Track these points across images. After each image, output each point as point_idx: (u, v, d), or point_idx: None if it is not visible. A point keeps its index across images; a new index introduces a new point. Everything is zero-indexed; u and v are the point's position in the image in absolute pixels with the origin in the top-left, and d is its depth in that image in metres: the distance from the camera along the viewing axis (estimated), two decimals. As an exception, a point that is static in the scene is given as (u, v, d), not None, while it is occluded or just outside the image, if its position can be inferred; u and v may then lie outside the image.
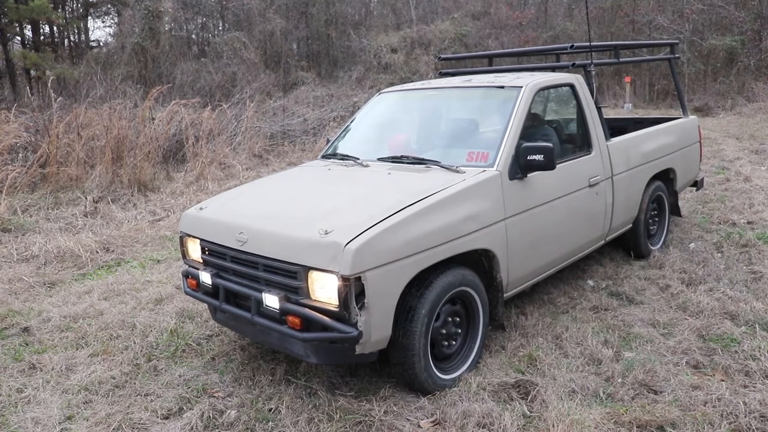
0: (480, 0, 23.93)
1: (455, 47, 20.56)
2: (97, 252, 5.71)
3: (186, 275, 3.52)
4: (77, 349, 3.75)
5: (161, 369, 3.47)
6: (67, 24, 21.38)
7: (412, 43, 21.27)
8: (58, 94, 9.22)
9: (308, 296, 2.81)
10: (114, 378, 3.36)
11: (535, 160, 3.36)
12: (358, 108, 6.91)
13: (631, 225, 4.79)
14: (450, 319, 3.18)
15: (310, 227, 2.85)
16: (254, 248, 3.00)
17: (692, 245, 5.18)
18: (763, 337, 3.50)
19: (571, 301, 4.21)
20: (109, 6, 22.51)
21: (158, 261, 5.57)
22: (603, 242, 4.48)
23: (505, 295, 3.48)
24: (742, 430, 2.67)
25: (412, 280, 2.89)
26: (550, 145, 3.34)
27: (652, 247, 5.08)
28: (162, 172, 8.82)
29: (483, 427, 2.75)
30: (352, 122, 4.59)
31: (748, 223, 5.79)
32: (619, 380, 3.12)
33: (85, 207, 7.00)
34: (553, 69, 4.72)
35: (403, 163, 3.70)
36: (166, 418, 2.98)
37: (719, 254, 4.95)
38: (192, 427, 2.85)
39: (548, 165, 3.35)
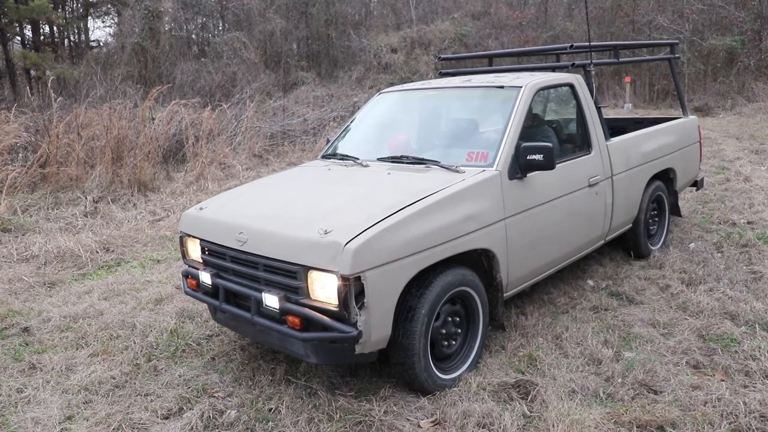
0: (480, 0, 23.93)
1: (455, 47, 20.56)
2: (97, 252, 5.71)
3: (186, 275, 3.52)
4: (77, 349, 3.75)
5: (161, 369, 3.47)
6: (67, 24, 21.39)
7: (412, 43, 21.27)
8: (58, 94, 9.22)
9: (308, 296, 2.81)
10: (114, 378, 3.36)
11: (534, 159, 3.36)
12: (358, 108, 6.91)
13: (631, 225, 4.79)
14: (450, 319, 3.18)
15: (309, 227, 2.85)
16: (254, 248, 3.00)
17: (692, 245, 5.18)
18: (763, 337, 3.50)
19: (571, 301, 4.21)
20: (109, 6, 22.52)
21: (158, 261, 5.57)
22: (603, 242, 4.48)
23: (505, 294, 3.48)
24: (742, 430, 2.67)
25: (412, 280, 2.89)
26: (550, 144, 3.34)
27: (652, 247, 5.08)
28: (162, 172, 8.82)
29: (483, 427, 2.75)
30: (352, 122, 4.59)
31: (748, 223, 5.79)
32: (619, 380, 3.12)
33: (85, 207, 7.00)
34: (552, 69, 4.72)
35: (402, 163, 3.70)
36: (166, 418, 2.98)
37: (719, 254, 4.95)
38: (192, 427, 2.85)
39: (548, 165, 3.35)
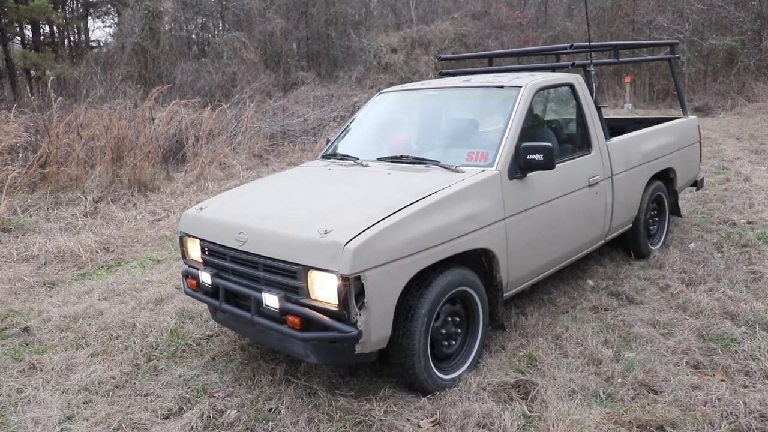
0: (480, 0, 23.93)
1: (455, 47, 20.56)
2: (97, 252, 5.71)
3: (186, 275, 3.52)
4: (77, 349, 3.75)
5: (161, 369, 3.47)
6: (67, 24, 21.38)
7: (412, 43, 21.27)
8: (58, 94, 9.22)
9: (308, 296, 2.81)
10: (114, 378, 3.36)
11: (534, 159, 3.36)
12: (358, 108, 6.91)
13: (631, 225, 4.79)
14: (450, 318, 3.18)
15: (309, 227, 2.85)
16: (254, 248, 3.00)
17: (692, 245, 5.18)
18: (763, 337, 3.50)
19: (571, 301, 4.21)
20: (109, 6, 22.51)
21: (158, 261, 5.57)
22: (603, 242, 4.48)
23: (505, 294, 3.48)
24: (742, 430, 2.67)
25: (412, 280, 2.89)
26: (550, 144, 3.34)
27: (652, 247, 5.08)
28: (162, 172, 8.82)
29: (483, 427, 2.75)
30: (352, 122, 4.59)
31: (748, 223, 5.79)
32: (619, 380, 3.12)
33: (85, 207, 7.00)
34: (552, 69, 4.72)
35: (402, 163, 3.70)
36: (166, 418, 2.98)
37: (719, 254, 4.95)
38: (192, 427, 2.85)
39: (548, 164, 3.35)
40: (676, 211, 5.52)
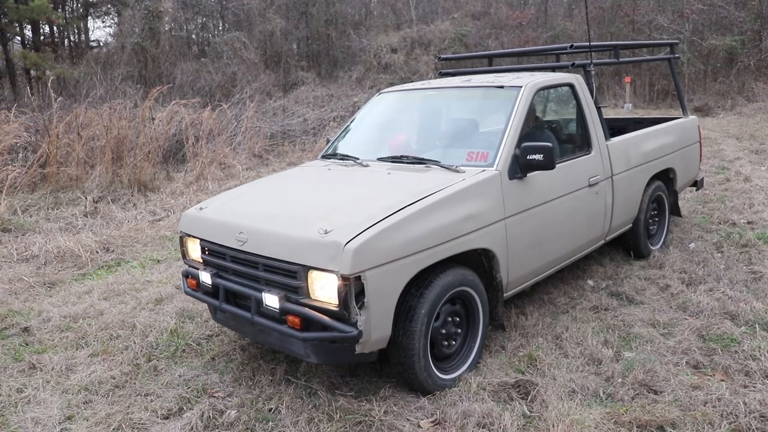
0: (480, 0, 23.92)
1: (455, 47, 20.56)
2: (97, 252, 5.71)
3: (186, 275, 3.52)
4: (77, 349, 3.75)
5: (161, 369, 3.47)
6: (67, 24, 21.37)
7: (412, 43, 21.27)
8: (58, 94, 9.22)
9: (308, 296, 2.81)
10: (114, 378, 3.36)
11: (534, 159, 3.36)
12: (358, 108, 6.91)
13: (631, 225, 4.79)
14: (450, 318, 3.18)
15: (310, 227, 2.85)
16: (254, 248, 3.00)
17: (692, 245, 5.18)
18: (763, 337, 3.50)
19: (571, 301, 4.21)
20: (109, 6, 22.49)
21: (158, 261, 5.57)
22: (603, 242, 4.48)
23: (505, 294, 3.48)
24: (742, 430, 2.67)
25: (412, 280, 2.89)
26: (550, 144, 3.34)
27: (652, 247, 5.08)
28: (162, 172, 8.82)
29: (483, 427, 2.75)
30: (352, 122, 4.59)
31: (748, 223, 5.79)
32: (619, 380, 3.12)
33: (85, 207, 7.00)
34: (552, 69, 4.72)
35: (403, 162, 3.70)
36: (166, 418, 2.98)
37: (719, 254, 4.95)
38: (192, 427, 2.85)
39: (548, 164, 3.35)
40: (676, 211, 5.52)
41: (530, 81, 3.85)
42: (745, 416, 2.73)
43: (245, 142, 10.54)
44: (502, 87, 3.88)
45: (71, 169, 7.81)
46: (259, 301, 2.94)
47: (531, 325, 3.80)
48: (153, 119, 9.58)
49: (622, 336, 3.65)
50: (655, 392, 3.01)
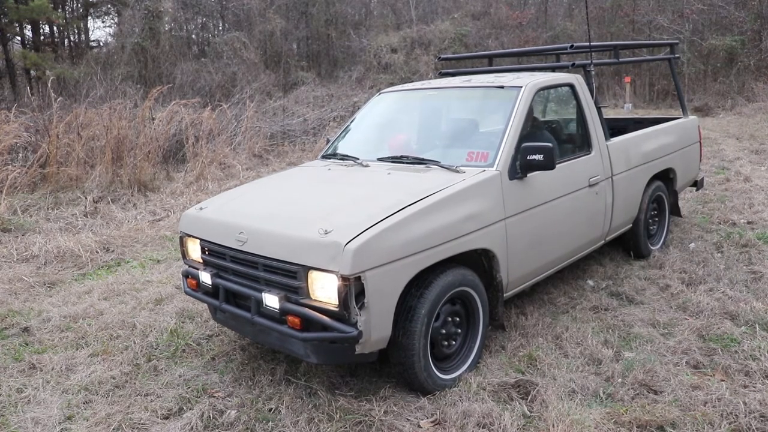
0: (480, 0, 23.93)
1: (455, 47, 20.56)
2: (97, 252, 5.71)
3: (186, 275, 3.52)
4: (77, 349, 3.75)
5: (161, 369, 3.47)
6: (67, 24, 21.37)
7: (412, 43, 21.27)
8: (58, 94, 9.22)
9: (308, 296, 2.81)
10: (114, 378, 3.36)
11: (534, 159, 3.36)
12: (358, 108, 6.91)
13: (631, 225, 4.79)
14: (450, 319, 3.18)
15: (310, 227, 2.85)
16: (254, 248, 3.00)
17: (692, 245, 5.18)
18: (763, 337, 3.50)
19: (571, 301, 4.21)
20: (109, 6, 22.49)
21: (158, 261, 5.57)
22: (603, 242, 4.48)
23: (505, 295, 3.48)
24: (742, 430, 2.67)
25: (412, 280, 2.89)
26: (550, 144, 3.34)
27: (652, 247, 5.08)
28: (162, 172, 8.82)
29: (483, 427, 2.75)
30: (352, 122, 4.59)
31: (748, 223, 5.79)
32: (619, 380, 3.12)
33: (85, 207, 7.00)
34: (553, 69, 4.72)
35: (403, 163, 3.70)
36: (166, 418, 2.98)
37: (719, 254, 4.95)
38: (192, 427, 2.85)
39: (548, 165, 3.35)
40: (676, 211, 5.52)
41: (530, 81, 3.85)
42: (745, 416, 2.73)
43: (245, 142, 10.54)
44: (502, 87, 3.88)
45: (71, 169, 7.81)
46: (259, 301, 2.94)
47: (531, 325, 3.80)
48: (153, 119, 9.58)
49: (622, 336, 3.65)
50: (655, 392, 3.01)
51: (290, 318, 2.82)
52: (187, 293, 3.55)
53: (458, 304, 3.22)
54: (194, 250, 3.51)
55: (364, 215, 2.88)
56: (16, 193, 7.24)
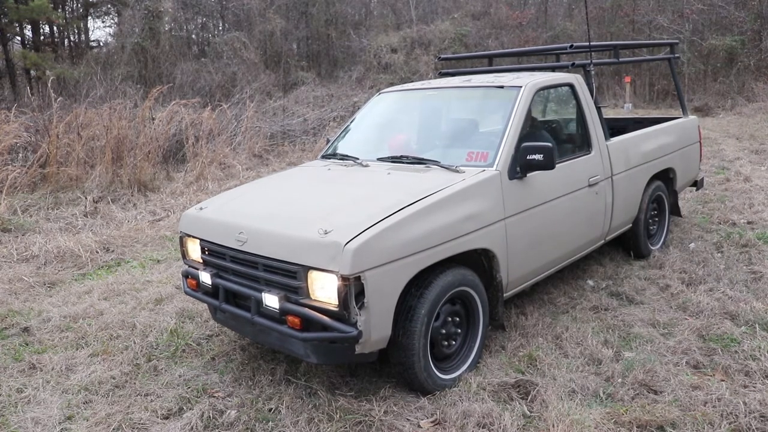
0: (480, 0, 23.93)
1: (455, 47, 20.56)
2: (97, 252, 5.71)
3: (186, 275, 3.52)
4: (77, 349, 3.75)
5: (161, 369, 3.47)
6: (67, 24, 21.37)
7: (412, 43, 21.27)
8: (58, 94, 9.21)
9: (308, 296, 2.81)
10: (114, 378, 3.36)
11: (534, 159, 3.36)
12: (358, 108, 6.91)
13: (630, 225, 4.79)
14: (450, 319, 3.18)
15: (309, 227, 2.85)
16: (254, 248, 3.00)
17: (692, 245, 5.18)
18: (763, 337, 3.50)
19: (571, 301, 4.21)
20: (109, 6, 22.49)
21: (158, 261, 5.57)
22: (603, 242, 4.48)
23: (505, 294, 3.48)
24: (742, 430, 2.67)
25: (412, 280, 2.89)
26: (550, 144, 3.34)
27: (652, 247, 5.08)
28: (162, 172, 8.82)
29: (483, 427, 2.75)
30: (352, 122, 4.59)
31: (748, 223, 5.79)
32: (619, 380, 3.12)
33: (85, 207, 7.00)
34: (552, 69, 4.72)
35: (402, 163, 3.70)
36: (166, 418, 2.98)
37: (719, 254, 4.95)
38: (192, 427, 2.85)
39: (548, 165, 3.35)
40: (676, 211, 5.52)
41: (530, 81, 3.85)
42: (745, 416, 2.73)
43: (245, 142, 10.54)
44: (502, 87, 3.88)
45: (71, 169, 7.81)
46: (259, 301, 2.94)
47: (531, 325, 3.80)
48: (153, 119, 9.58)
49: (622, 336, 3.65)
50: (655, 392, 3.01)
51: (290, 318, 2.82)
52: (187, 293, 3.55)
53: (458, 304, 3.22)
54: (194, 250, 3.51)
55: (363, 215, 2.88)
56: (16, 193, 7.24)
